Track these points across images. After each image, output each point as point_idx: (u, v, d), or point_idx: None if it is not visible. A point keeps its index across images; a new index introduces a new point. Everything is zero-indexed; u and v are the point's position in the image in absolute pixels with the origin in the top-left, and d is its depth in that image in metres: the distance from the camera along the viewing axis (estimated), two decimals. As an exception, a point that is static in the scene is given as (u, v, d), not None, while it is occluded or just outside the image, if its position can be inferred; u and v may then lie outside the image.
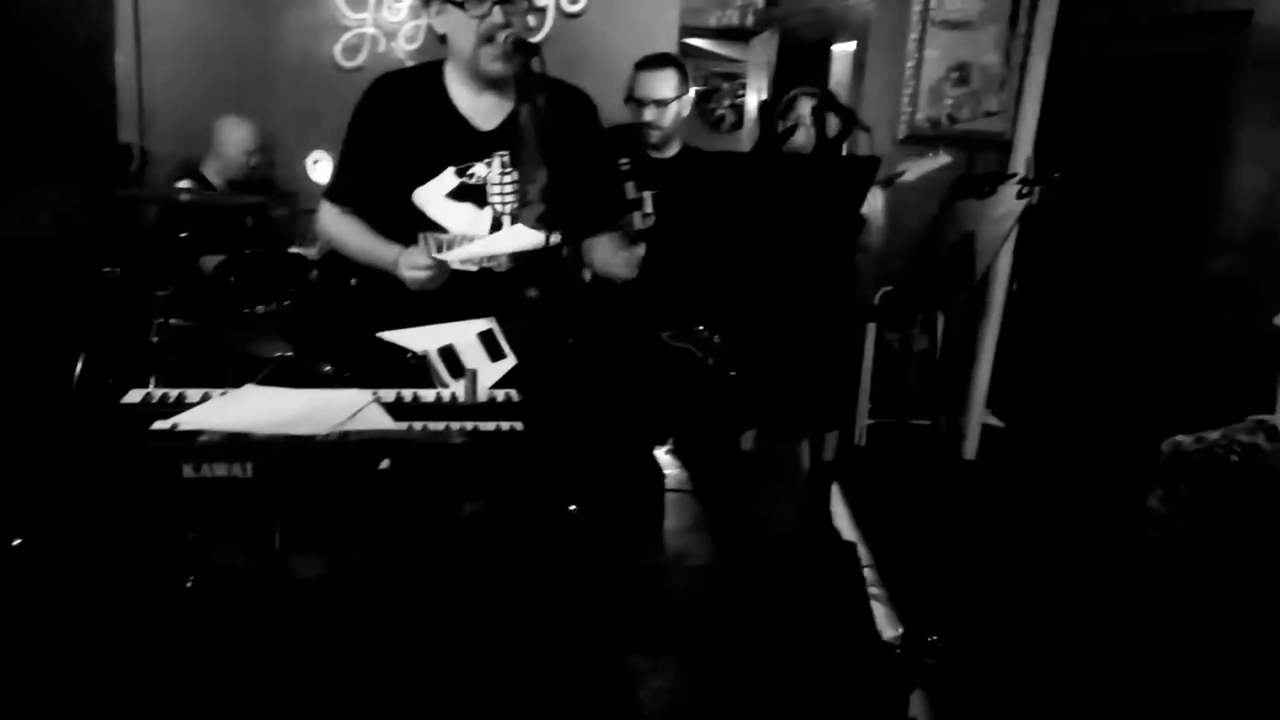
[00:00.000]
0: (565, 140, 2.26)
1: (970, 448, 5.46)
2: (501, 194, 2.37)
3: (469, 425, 1.81)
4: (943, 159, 4.81)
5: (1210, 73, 4.43)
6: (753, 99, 7.34)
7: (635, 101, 3.69)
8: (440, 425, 1.81)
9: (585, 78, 5.20)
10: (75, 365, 3.59)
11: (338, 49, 4.99)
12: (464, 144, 2.35)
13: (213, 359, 3.77)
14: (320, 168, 4.57)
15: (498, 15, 2.22)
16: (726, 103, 10.07)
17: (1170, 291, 4.58)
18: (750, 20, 6.23)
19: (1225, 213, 4.25)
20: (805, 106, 3.62)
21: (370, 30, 5.00)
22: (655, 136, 3.66)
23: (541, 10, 5.00)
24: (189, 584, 2.48)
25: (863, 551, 3.95)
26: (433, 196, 2.34)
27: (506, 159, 2.37)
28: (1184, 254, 4.52)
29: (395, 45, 5.01)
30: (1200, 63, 4.53)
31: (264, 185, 4.72)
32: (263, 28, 4.94)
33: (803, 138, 3.53)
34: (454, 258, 2.25)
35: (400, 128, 2.29)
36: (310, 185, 4.90)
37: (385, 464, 1.63)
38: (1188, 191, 4.54)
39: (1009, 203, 2.62)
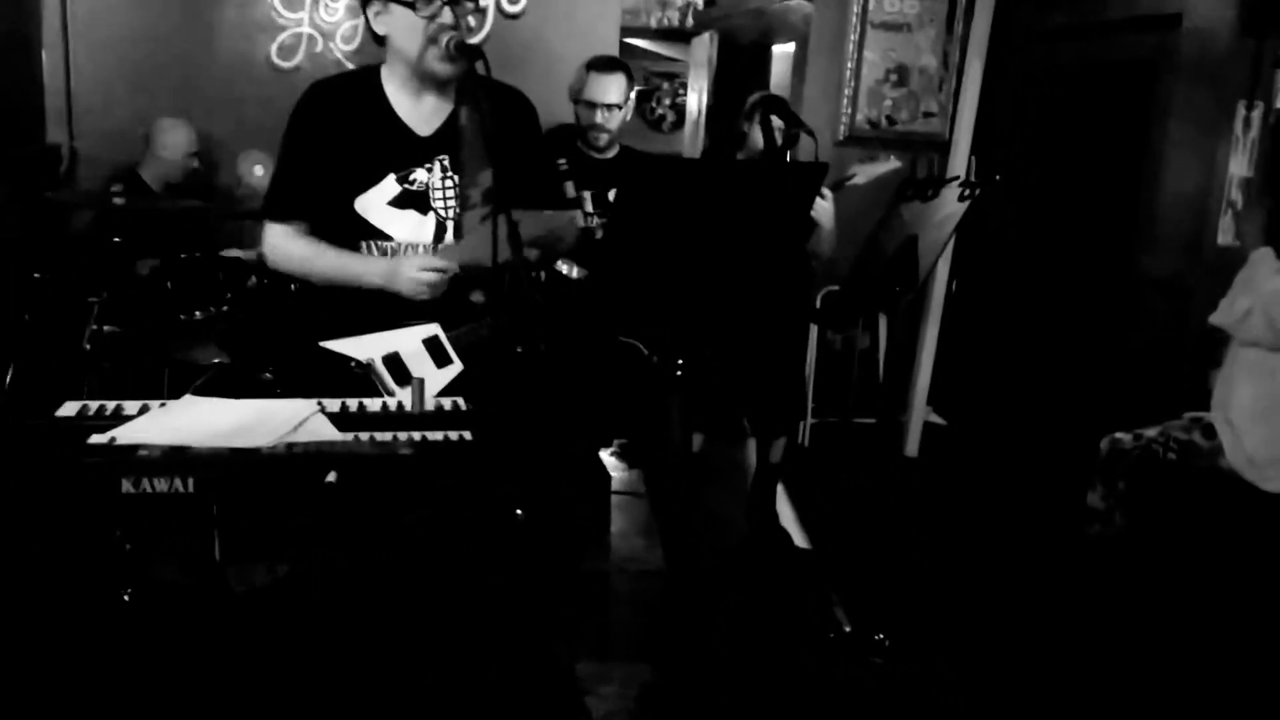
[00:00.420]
0: (506, 142, 2.24)
1: (913, 445, 5.52)
2: (444, 199, 2.35)
3: (416, 435, 1.78)
4: (893, 163, 4.86)
5: (1141, 76, 4.51)
6: (693, 99, 7.36)
7: (585, 103, 3.69)
8: (387, 435, 1.78)
9: (525, 77, 5.18)
10: (4, 374, 3.49)
11: (273, 49, 4.91)
12: (404, 149, 2.31)
13: (148, 366, 3.69)
14: (260, 173, 4.50)
15: (447, 16, 2.19)
16: (667, 102, 10.10)
17: (1105, 291, 4.66)
18: (690, 21, 6.24)
19: (1156, 213, 4.33)
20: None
21: (306, 30, 4.93)
22: (604, 139, 3.68)
23: (482, 10, 4.97)
24: (126, 597, 2.42)
25: (809, 551, 3.98)
26: (375, 204, 2.30)
27: (447, 163, 2.34)
28: (1117, 254, 4.60)
29: (333, 45, 4.95)
30: (1131, 66, 4.62)
31: (202, 188, 4.62)
32: (196, 27, 4.84)
33: (751, 137, 3.56)
34: (453, 258, 2.23)
35: (338, 135, 2.24)
36: (246, 188, 4.83)
37: (332, 476, 1.61)
38: (1119, 193, 4.63)
39: (951, 205, 2.66)
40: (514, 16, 5.04)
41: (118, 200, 3.50)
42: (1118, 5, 4.62)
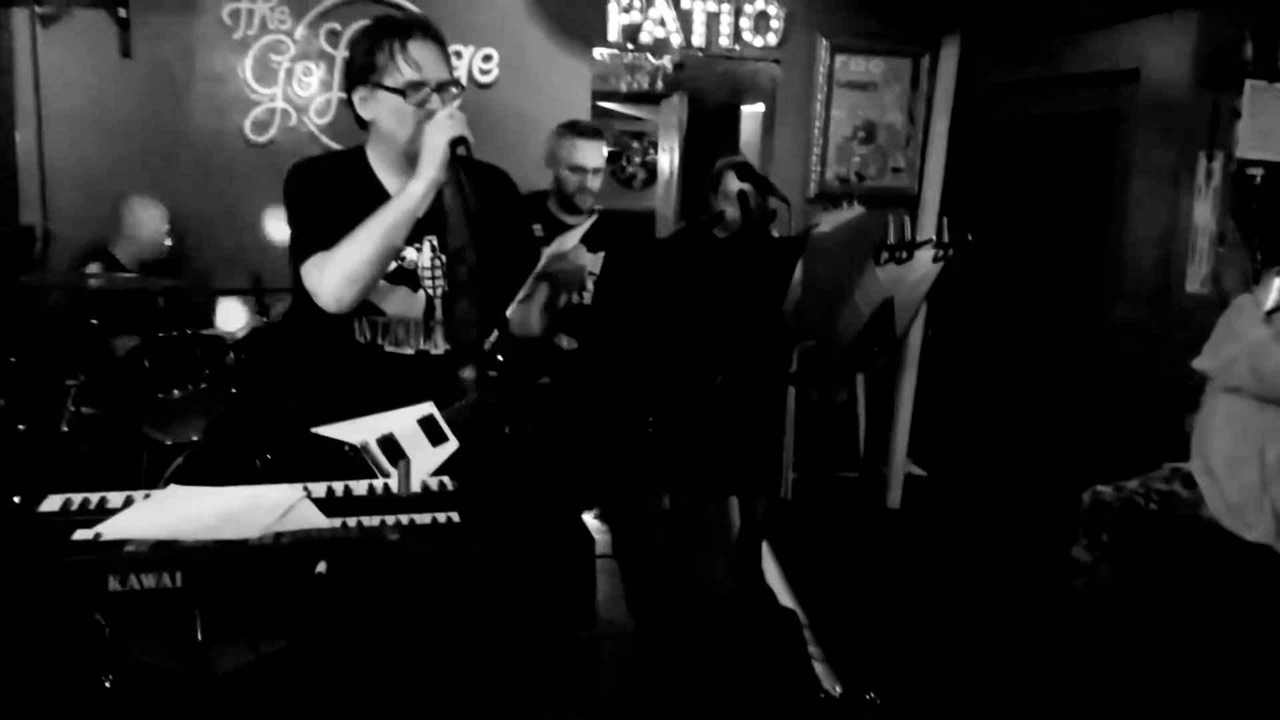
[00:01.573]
0: (490, 220, 2.26)
1: (894, 497, 5.53)
2: (433, 277, 2.36)
3: (404, 519, 1.78)
4: (856, 209, 4.96)
5: (1103, 128, 4.61)
6: (665, 159, 7.45)
7: (571, 169, 3.73)
8: (375, 520, 1.78)
9: (499, 146, 5.25)
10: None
11: (247, 124, 4.94)
12: None
13: (127, 446, 3.67)
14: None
15: (435, 103, 2.22)
16: (637, 160, 10.20)
17: (1076, 339, 4.72)
18: (660, 85, 6.33)
19: (1124, 262, 4.40)
20: (732, 182, 3.69)
21: (280, 105, 4.97)
22: (589, 202, 3.72)
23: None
24: (107, 683, 2.39)
25: (797, 610, 3.97)
26: None
27: (435, 243, 2.36)
28: (1086, 302, 4.67)
29: (306, 119, 4.98)
30: (1093, 119, 4.72)
31: (175, 264, 4.62)
32: (169, 105, 4.88)
33: (729, 213, 3.62)
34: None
35: (333, 209, 2.24)
36: (220, 264, 4.84)
37: (321, 567, 1.60)
38: (1087, 242, 4.70)
39: (925, 266, 2.70)
40: (486, 86, 5.11)
41: (94, 282, 3.50)
42: (1076, 61, 4.73)
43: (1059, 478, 4.72)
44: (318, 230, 2.20)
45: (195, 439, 3.67)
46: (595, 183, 3.75)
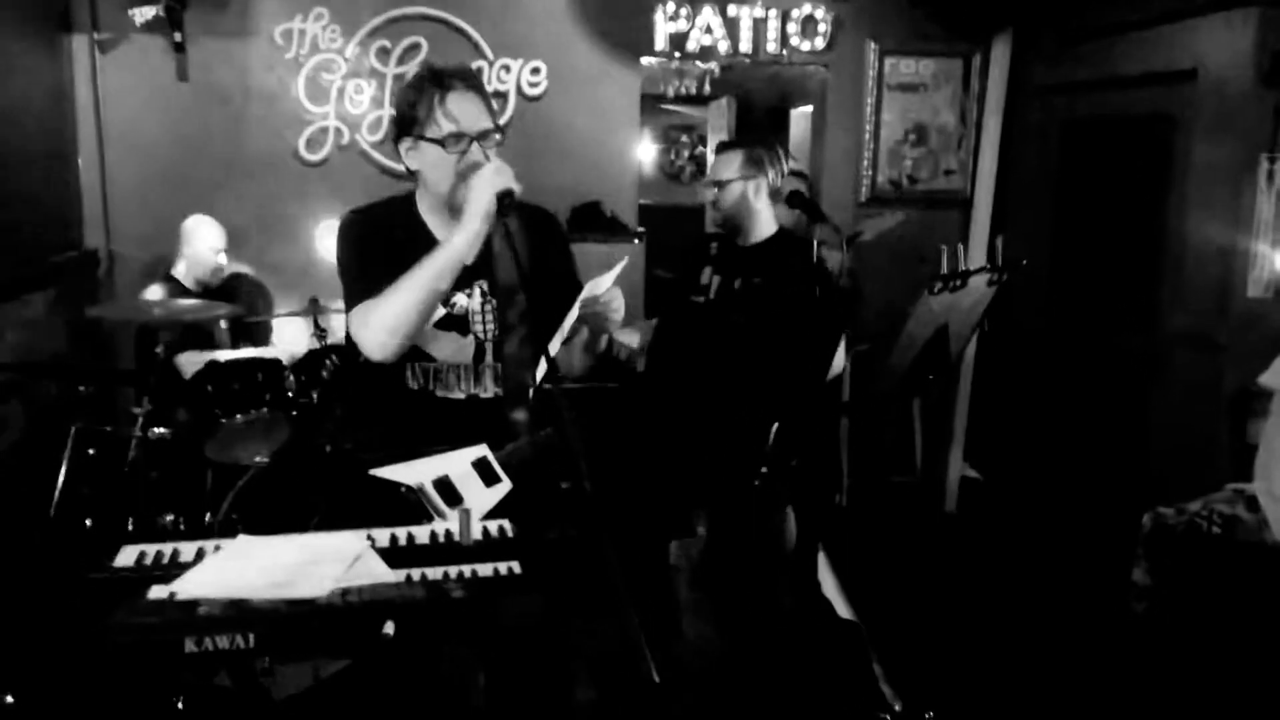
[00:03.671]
0: (538, 263, 2.30)
1: (950, 501, 5.51)
2: (483, 322, 2.40)
3: (466, 570, 1.81)
4: (897, 216, 4.95)
5: (1159, 129, 4.53)
6: (711, 155, 7.47)
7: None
8: (438, 572, 1.81)
9: (546, 158, 5.27)
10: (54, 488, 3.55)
11: (301, 143, 5.02)
12: None
13: (191, 470, 3.76)
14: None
15: (476, 153, 2.26)
16: (685, 154, 10.19)
17: (1135, 344, 4.65)
18: (708, 88, 6.33)
19: (1183, 268, 4.32)
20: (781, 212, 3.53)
21: (333, 123, 5.04)
22: (717, 219, 3.54)
23: (503, 96, 5.06)
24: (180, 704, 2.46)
25: (857, 622, 3.96)
26: None
27: (485, 287, 2.39)
28: (1145, 309, 4.59)
29: (359, 136, 5.05)
30: (1149, 120, 4.64)
31: (230, 282, 4.70)
32: (225, 126, 4.97)
33: (789, 220, 3.49)
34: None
35: (385, 256, 2.29)
36: (277, 284, 4.93)
37: (389, 628, 1.64)
38: (1144, 245, 4.62)
39: (979, 291, 2.68)
40: (535, 99, 5.14)
41: (158, 311, 3.58)
42: (1131, 61, 4.65)
43: (1116, 480, 4.67)
44: (365, 282, 2.26)
45: (258, 459, 3.75)
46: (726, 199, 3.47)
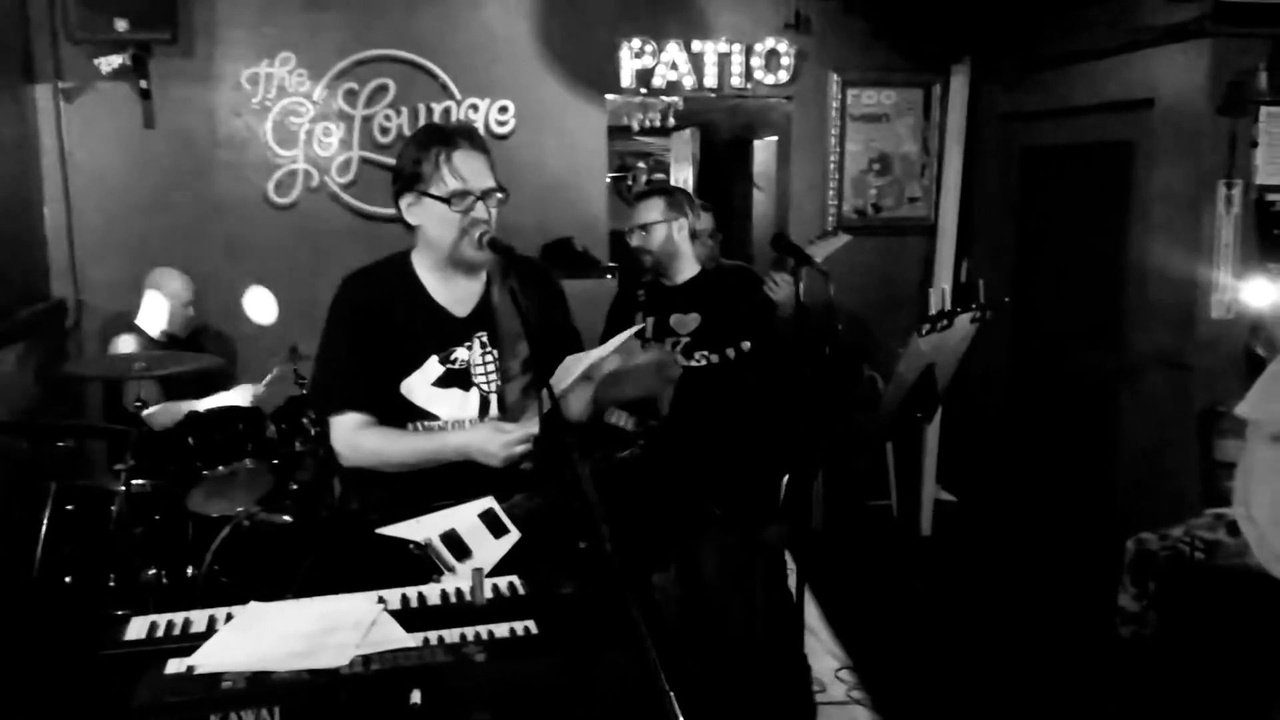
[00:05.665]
0: (537, 314, 2.32)
1: (926, 524, 5.56)
2: (485, 374, 2.41)
3: (484, 632, 1.82)
4: (843, 238, 5.00)
5: (1119, 156, 4.64)
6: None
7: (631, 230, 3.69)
8: (455, 634, 1.81)
9: (518, 196, 5.28)
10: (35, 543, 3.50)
11: (270, 186, 5.00)
12: (444, 330, 2.38)
13: (173, 521, 3.72)
14: (254, 303, 4.48)
15: (480, 211, 2.29)
16: (643, 179, 10.25)
17: (1101, 367, 4.74)
18: (672, 120, 6.39)
19: (1146, 291, 4.42)
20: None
21: (302, 166, 5.02)
22: (648, 260, 3.67)
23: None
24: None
25: (839, 653, 4.00)
26: (419, 385, 2.36)
27: (485, 339, 2.41)
28: (1110, 332, 4.69)
29: (328, 179, 5.04)
30: (1109, 147, 4.75)
31: (197, 333, 4.65)
32: (193, 172, 4.94)
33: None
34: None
35: (381, 321, 2.31)
36: (249, 328, 4.88)
37: (416, 697, 1.64)
38: (1107, 271, 4.72)
39: (963, 329, 2.74)
40: (503, 137, 5.16)
41: (137, 366, 3.54)
42: (1089, 90, 4.76)
43: (1087, 498, 4.76)
44: (356, 377, 2.35)
45: (240, 510, 3.71)
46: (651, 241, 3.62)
